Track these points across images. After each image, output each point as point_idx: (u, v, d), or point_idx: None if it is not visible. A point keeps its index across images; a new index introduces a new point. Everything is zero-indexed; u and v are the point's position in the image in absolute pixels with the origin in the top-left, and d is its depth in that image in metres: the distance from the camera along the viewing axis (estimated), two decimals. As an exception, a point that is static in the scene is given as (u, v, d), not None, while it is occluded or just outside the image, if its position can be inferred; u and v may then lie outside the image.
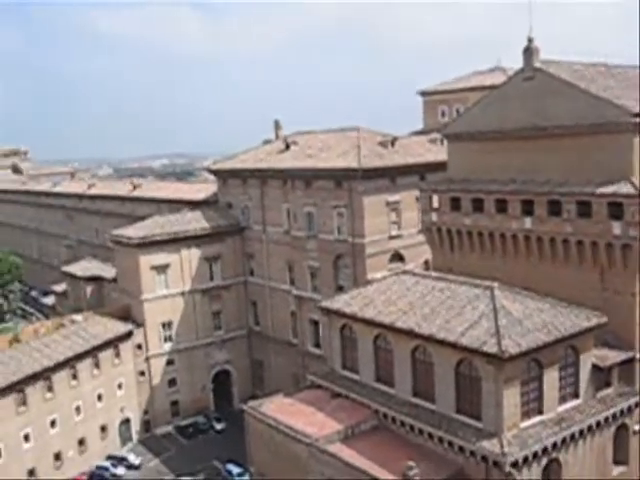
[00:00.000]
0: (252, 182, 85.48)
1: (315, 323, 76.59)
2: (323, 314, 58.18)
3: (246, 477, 65.51)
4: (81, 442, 76.07)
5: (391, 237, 71.72)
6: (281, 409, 51.78)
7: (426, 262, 68.54)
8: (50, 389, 72.25)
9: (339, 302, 53.93)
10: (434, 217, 57.58)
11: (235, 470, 70.90)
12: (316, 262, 76.18)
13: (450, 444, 42.59)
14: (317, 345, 76.99)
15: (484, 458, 40.27)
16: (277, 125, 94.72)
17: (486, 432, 41.17)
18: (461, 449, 41.80)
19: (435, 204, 57.91)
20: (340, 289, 70.62)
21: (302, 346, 79.44)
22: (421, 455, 43.16)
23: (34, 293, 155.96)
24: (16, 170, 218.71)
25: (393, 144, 74.98)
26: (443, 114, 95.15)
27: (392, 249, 71.73)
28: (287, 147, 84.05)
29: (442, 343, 43.58)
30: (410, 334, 45.94)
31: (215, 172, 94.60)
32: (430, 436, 44.12)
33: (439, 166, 65.78)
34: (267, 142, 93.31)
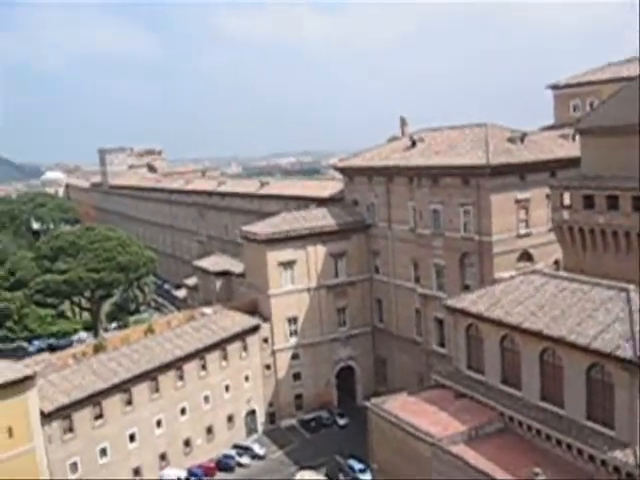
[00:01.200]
0: (378, 179, 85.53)
1: (440, 322, 75.61)
2: (448, 313, 57.45)
3: (367, 473, 65.67)
4: (209, 430, 78.75)
5: (519, 236, 69.74)
6: (405, 407, 51.54)
7: (556, 262, 66.24)
8: (181, 378, 75.23)
9: (465, 301, 53.06)
10: (565, 215, 55.49)
11: (357, 466, 71.20)
12: (442, 260, 75.19)
13: (579, 452, 40.96)
14: (441, 344, 75.97)
15: (616, 469, 38.46)
16: (403, 122, 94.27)
17: (619, 441, 39.30)
18: (591, 458, 40.10)
19: (567, 202, 55.84)
20: (466, 288, 69.41)
21: (426, 345, 78.65)
22: (548, 461, 41.80)
23: (167, 286, 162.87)
24: (151, 169, 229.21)
25: (522, 140, 72.83)
26: (575, 108, 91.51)
27: (520, 248, 69.70)
28: (413, 144, 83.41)
29: (573, 346, 41.96)
30: (539, 336, 44.55)
31: (341, 169, 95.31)
32: (558, 442, 42.60)
33: (571, 162, 63.37)
34: (393, 139, 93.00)
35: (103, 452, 67.56)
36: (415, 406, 51.63)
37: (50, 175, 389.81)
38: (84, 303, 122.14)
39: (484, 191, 68.64)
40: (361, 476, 69.56)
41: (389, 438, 50.68)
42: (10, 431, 59.86)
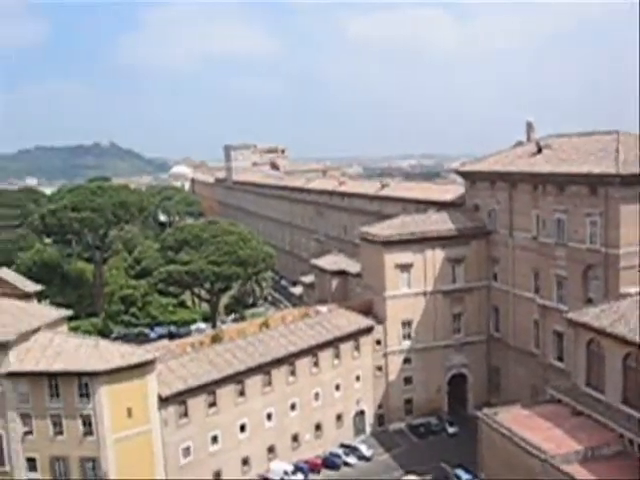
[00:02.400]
0: (501, 185, 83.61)
1: (559, 335, 73.11)
2: (569, 326, 55.51)
3: (475, 484, 64.49)
4: (317, 427, 79.45)
5: (650, 250, 66.37)
6: (517, 420, 50.23)
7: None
8: (293, 374, 76.28)
9: (587, 315, 51.12)
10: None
11: (464, 476, 69.71)
12: (564, 271, 72.69)
13: None
14: (559, 358, 73.43)
15: None
16: (529, 127, 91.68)
17: None
18: None
19: None
20: (589, 301, 66.79)
21: (543, 357, 76.27)
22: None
23: (284, 282, 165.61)
24: (274, 166, 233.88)
25: (658, 150, 69.28)
26: None
27: (650, 263, 66.36)
28: (539, 150, 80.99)
29: None
30: (666, 357, 42.34)
31: (463, 174, 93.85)
32: (683, 470, 40.35)
33: None
34: (518, 144, 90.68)
35: (214, 440, 69.47)
36: (528, 420, 50.22)
37: (177, 169, 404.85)
38: (204, 294, 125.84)
39: (613, 201, 65.79)
40: (468, 486, 68.29)
41: (499, 450, 49.53)
42: (129, 412, 62.69)
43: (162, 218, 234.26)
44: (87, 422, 62.20)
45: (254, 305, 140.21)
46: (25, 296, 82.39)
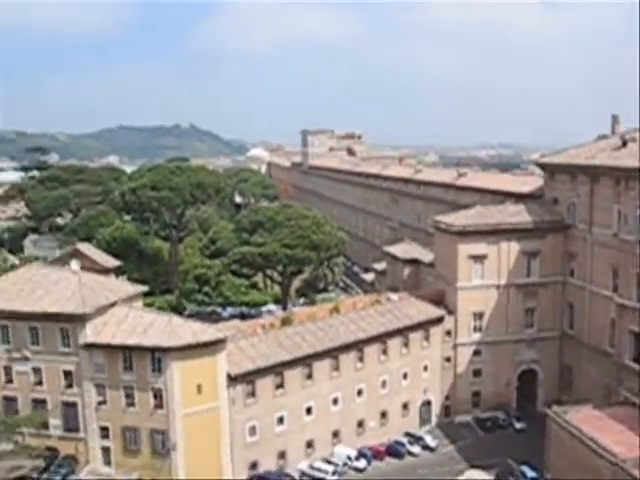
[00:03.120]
0: (582, 179, 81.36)
1: (636, 335, 70.90)
2: (647, 327, 53.75)
3: (540, 482, 63.45)
4: (383, 415, 79.48)
5: None
6: (588, 421, 49.15)
7: None
8: (361, 360, 76.42)
9: (667, 317, 49.41)
10: None
11: (529, 473, 68.37)
12: (645, 270, 70.36)
13: None
14: (635, 359, 71.22)
15: None
16: (615, 120, 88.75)
17: None
18: None
19: None
20: (670, 303, 64.57)
21: (618, 358, 74.09)
22: None
23: (356, 268, 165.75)
24: (350, 152, 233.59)
25: None
26: None
27: None
28: (624, 144, 78.40)
29: None
30: None
31: (543, 165, 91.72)
32: None
33: None
34: (602, 138, 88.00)
35: (280, 420, 70.38)
36: (600, 421, 49.08)
37: (254, 152, 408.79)
38: (276, 277, 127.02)
39: (701, 200, 63.25)
40: (533, 484, 67.15)
41: (568, 450, 48.59)
42: (199, 388, 64.11)
43: (238, 200, 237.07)
44: (158, 395, 64.04)
45: (325, 290, 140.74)
46: (104, 271, 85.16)
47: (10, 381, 67.94)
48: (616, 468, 42.55)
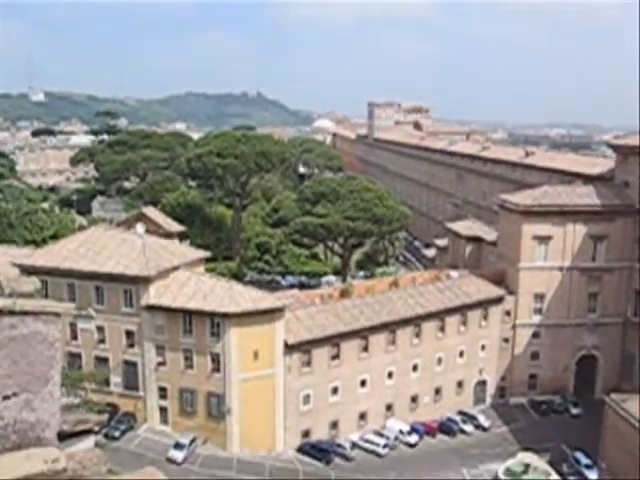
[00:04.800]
0: (656, 163, 78.84)
1: None
2: None
3: (594, 471, 62.52)
4: (437, 392, 79.36)
5: None
6: (648, 410, 48.04)
7: None
8: (417, 336, 76.28)
9: None
10: None
11: (583, 460, 67.54)
12: None
13: None
14: (702, 351, 69.42)
15: None
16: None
17: None
18: None
19: None
20: None
21: (683, 348, 72.29)
22: None
23: (417, 243, 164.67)
24: (417, 126, 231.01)
25: None
26: None
27: None
28: None
29: None
30: None
31: (615, 147, 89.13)
32: None
33: None
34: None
35: (334, 391, 70.94)
36: (661, 411, 47.92)
37: (320, 123, 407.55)
38: (336, 248, 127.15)
39: None
40: (586, 472, 66.03)
41: (625, 439, 47.69)
42: (256, 355, 64.99)
43: (302, 170, 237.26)
44: (215, 360, 65.20)
45: (385, 264, 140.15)
46: (168, 235, 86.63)
47: (75, 338, 70.09)
48: (674, 460, 41.68)
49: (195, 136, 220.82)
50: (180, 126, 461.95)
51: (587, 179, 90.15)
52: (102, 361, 69.84)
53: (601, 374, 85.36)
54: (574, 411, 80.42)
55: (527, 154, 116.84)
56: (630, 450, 46.62)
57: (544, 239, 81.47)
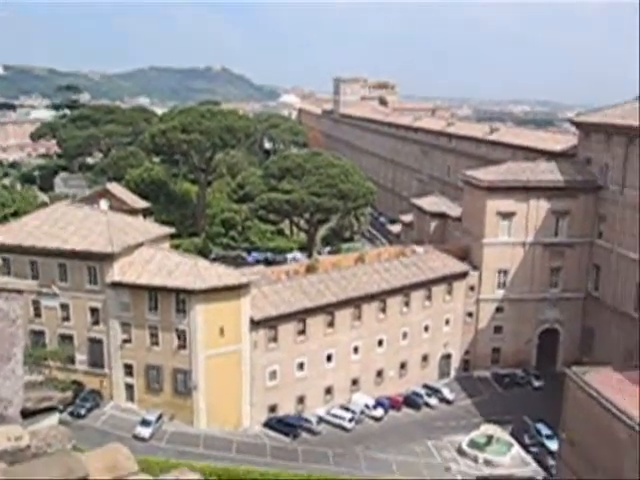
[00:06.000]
0: (618, 139, 79.85)
1: (662, 300, 70.56)
2: (673, 292, 53.28)
3: (554, 441, 63.87)
4: (402, 366, 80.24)
5: None
6: (607, 383, 49.04)
7: None
8: (383, 311, 76.85)
9: (695, 283, 48.84)
10: None
11: (544, 431, 69.28)
12: (675, 235, 69.51)
13: None
14: (660, 324, 71.02)
15: None
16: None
17: None
18: None
19: None
20: (698, 269, 63.87)
21: (642, 322, 73.87)
22: None
23: (382, 219, 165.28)
24: (382, 102, 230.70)
25: None
26: None
27: None
28: (664, 106, 76.66)
29: None
30: None
31: (577, 124, 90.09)
32: None
33: None
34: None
35: (301, 366, 71.34)
36: (619, 384, 48.94)
37: (285, 98, 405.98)
38: (302, 224, 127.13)
39: None
40: (547, 442, 67.73)
41: (585, 411, 48.68)
42: (222, 331, 65.01)
43: (267, 145, 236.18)
44: (182, 336, 65.09)
45: (351, 239, 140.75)
46: (132, 211, 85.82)
47: (38, 315, 69.37)
48: (633, 432, 42.62)
49: (159, 111, 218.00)
50: (144, 101, 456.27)
51: (550, 156, 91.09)
52: (67, 339, 69.28)
53: (562, 347, 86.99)
54: (536, 384, 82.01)
55: (492, 130, 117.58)
56: (589, 420, 47.62)
57: (508, 215, 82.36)
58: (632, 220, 76.78)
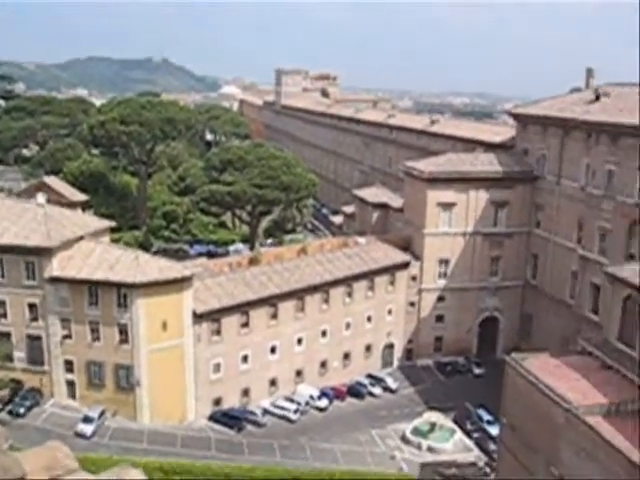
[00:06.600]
0: (553, 131, 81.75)
1: (596, 287, 72.51)
2: (607, 280, 54.83)
3: (495, 426, 65.23)
4: (346, 356, 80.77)
5: (700, 210, 64.86)
6: (545, 368, 50.25)
7: None
8: (326, 302, 77.17)
9: (627, 271, 50.34)
10: None
11: (486, 417, 70.93)
12: (608, 224, 71.54)
13: None
14: (594, 311, 73.03)
15: None
16: (589, 73, 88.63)
17: None
18: None
19: None
20: (630, 257, 65.86)
21: (578, 309, 75.91)
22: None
23: (325, 211, 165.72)
24: (324, 94, 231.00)
25: None
26: None
27: (699, 224, 64.94)
28: (597, 98, 78.68)
29: None
30: None
31: (515, 116, 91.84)
32: None
33: None
34: (575, 90, 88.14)
35: (245, 359, 71.21)
36: (556, 369, 50.22)
37: (227, 90, 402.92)
38: (244, 216, 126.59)
39: (668, 157, 64.01)
40: (488, 427, 69.36)
41: (524, 396, 49.81)
42: (164, 325, 64.39)
43: (208, 137, 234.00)
44: (123, 331, 64.23)
45: (293, 231, 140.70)
46: (71, 205, 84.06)
47: (-26, 312, 67.57)
48: (569, 414, 43.78)
49: (98, 102, 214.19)
50: (82, 92, 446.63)
51: (489, 147, 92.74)
52: (4, 336, 67.55)
53: (502, 335, 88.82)
54: (477, 371, 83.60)
55: (432, 122, 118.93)
56: (528, 405, 48.74)
57: (448, 205, 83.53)
58: (568, 210, 78.78)
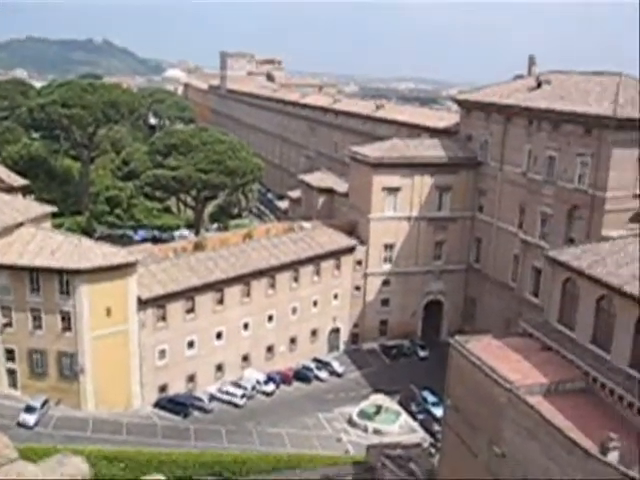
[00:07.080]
0: (496, 117, 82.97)
1: (537, 271, 74.19)
2: (548, 263, 56.09)
3: (439, 407, 66.38)
4: (292, 341, 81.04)
5: (636, 195, 66.76)
6: (487, 350, 51.22)
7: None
8: (272, 287, 77.18)
9: (567, 254, 51.54)
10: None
11: (430, 398, 72.18)
12: (549, 209, 73.17)
13: (662, 423, 39.89)
14: (535, 293, 74.75)
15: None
16: (531, 61, 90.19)
17: None
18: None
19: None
20: (570, 241, 67.53)
21: (519, 292, 77.57)
22: (626, 429, 40.91)
23: (270, 195, 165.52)
24: (270, 78, 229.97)
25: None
26: None
27: (635, 208, 66.82)
28: (539, 85, 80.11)
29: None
30: (637, 301, 43.02)
31: (459, 102, 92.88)
32: (640, 411, 41.58)
33: None
34: (518, 77, 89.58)
35: (190, 344, 70.82)
36: (498, 350, 51.23)
37: (171, 73, 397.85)
38: (189, 201, 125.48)
39: (605, 144, 65.70)
40: (433, 409, 70.64)
41: (467, 377, 50.71)
42: (108, 311, 63.54)
43: (152, 121, 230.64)
44: (66, 318, 63.10)
45: (239, 216, 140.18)
46: (10, 189, 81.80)
47: None
48: (511, 394, 44.74)
49: (37, 84, 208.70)
50: (20, 73, 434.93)
51: (434, 132, 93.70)
52: (-59, 324, 65.78)
53: (446, 318, 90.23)
54: (422, 354, 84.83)
55: (377, 107, 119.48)
56: (472, 386, 49.64)
57: (393, 190, 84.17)
58: (510, 195, 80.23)
